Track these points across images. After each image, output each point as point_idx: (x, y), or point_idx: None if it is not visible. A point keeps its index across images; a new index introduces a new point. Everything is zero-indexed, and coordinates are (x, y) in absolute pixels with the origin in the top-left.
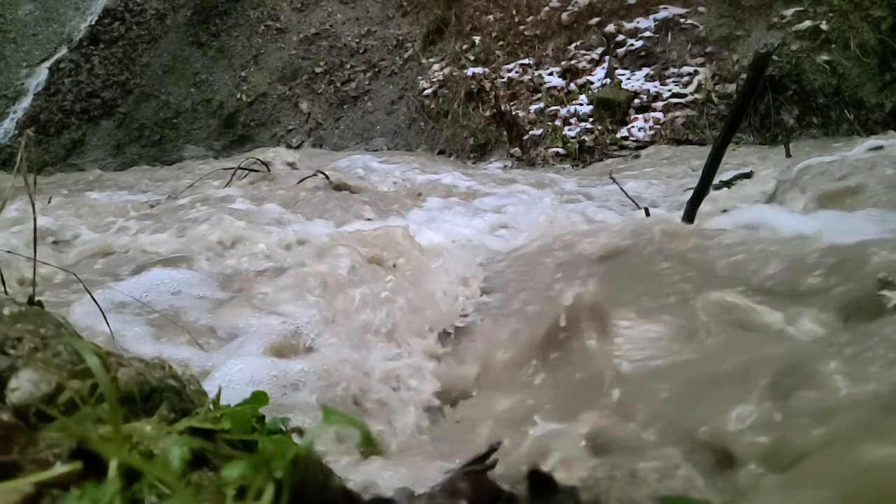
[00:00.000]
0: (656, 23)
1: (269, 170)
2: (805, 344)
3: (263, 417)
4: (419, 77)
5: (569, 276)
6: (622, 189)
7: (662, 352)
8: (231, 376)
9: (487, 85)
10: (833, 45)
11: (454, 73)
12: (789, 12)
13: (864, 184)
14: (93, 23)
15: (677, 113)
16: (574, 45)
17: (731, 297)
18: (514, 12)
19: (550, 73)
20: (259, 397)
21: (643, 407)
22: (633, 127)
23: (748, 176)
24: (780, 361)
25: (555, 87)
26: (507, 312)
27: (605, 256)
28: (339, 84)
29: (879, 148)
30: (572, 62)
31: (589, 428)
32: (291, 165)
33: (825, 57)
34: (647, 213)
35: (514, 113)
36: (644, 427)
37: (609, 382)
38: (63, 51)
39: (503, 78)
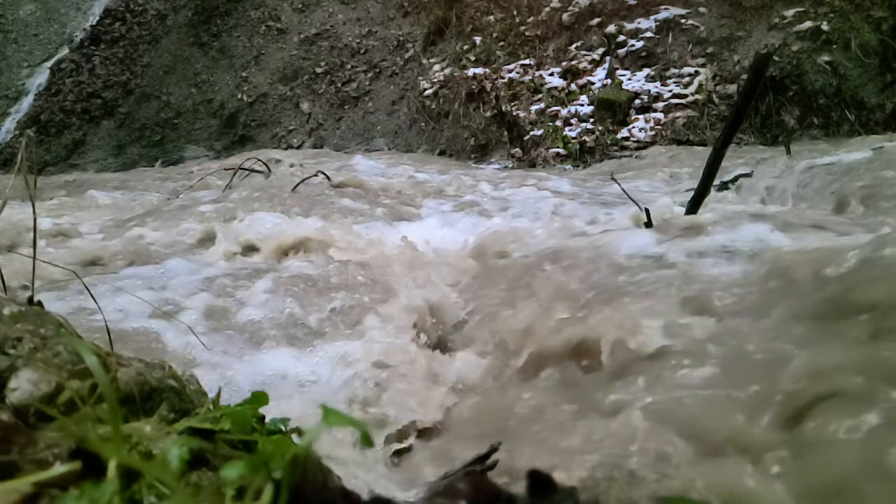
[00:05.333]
0: (657, 23)
1: (269, 170)
2: None
3: (263, 418)
4: (420, 77)
5: None
6: (623, 189)
7: None
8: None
9: (488, 85)
10: (834, 46)
11: (455, 74)
12: (790, 13)
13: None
14: (94, 23)
15: (678, 113)
16: (575, 45)
17: None
18: (514, 13)
19: (551, 74)
20: (259, 397)
21: None
22: (633, 127)
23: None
24: None
25: (555, 88)
26: None
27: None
28: (339, 84)
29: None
30: (573, 63)
31: None
32: (291, 166)
33: (826, 58)
34: (648, 215)
35: (514, 113)
36: None
37: None
38: (64, 51)
39: (504, 78)
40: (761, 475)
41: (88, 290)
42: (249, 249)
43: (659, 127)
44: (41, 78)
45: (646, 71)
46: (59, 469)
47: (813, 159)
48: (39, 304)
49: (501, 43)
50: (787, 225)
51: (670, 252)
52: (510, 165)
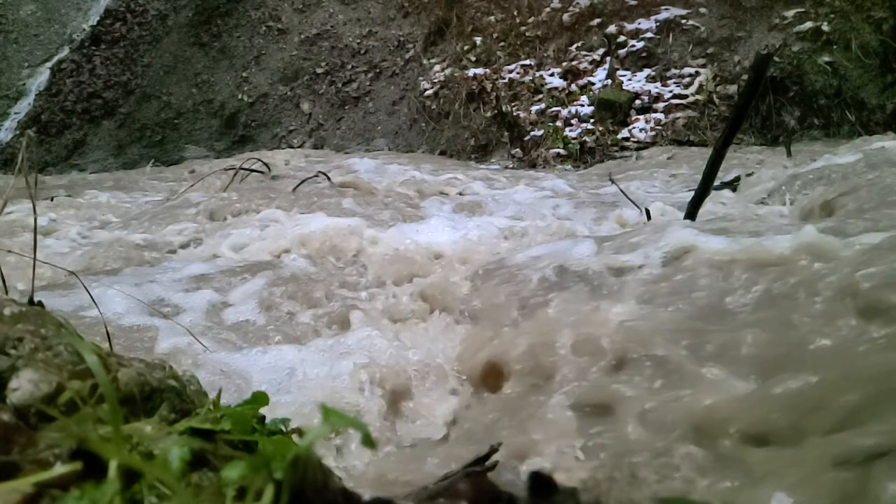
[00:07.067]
0: (657, 24)
1: (269, 170)
2: None
3: (264, 418)
4: (420, 78)
5: None
6: (621, 190)
7: None
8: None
9: (488, 86)
10: (834, 47)
11: (455, 74)
12: (790, 13)
13: None
14: (94, 23)
15: (678, 114)
16: (575, 45)
17: None
18: (515, 13)
19: (552, 74)
20: (259, 398)
21: None
22: (634, 128)
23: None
24: None
25: (556, 88)
26: None
27: None
28: (340, 85)
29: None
30: (573, 63)
31: None
32: (286, 164)
33: (826, 58)
34: (648, 215)
35: (515, 114)
36: None
37: None
38: (65, 51)
39: (504, 79)
40: None
41: (88, 291)
42: (248, 248)
43: (659, 127)
44: (42, 78)
45: (646, 71)
46: (59, 469)
47: (806, 161)
48: (40, 304)
49: (502, 43)
50: (729, 235)
51: (598, 264)
52: (510, 166)
